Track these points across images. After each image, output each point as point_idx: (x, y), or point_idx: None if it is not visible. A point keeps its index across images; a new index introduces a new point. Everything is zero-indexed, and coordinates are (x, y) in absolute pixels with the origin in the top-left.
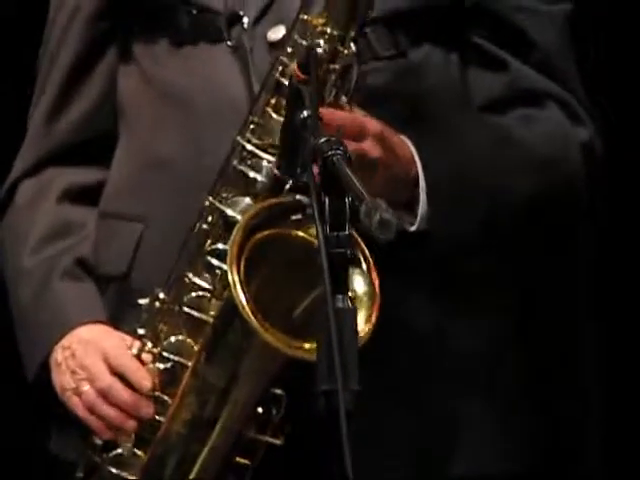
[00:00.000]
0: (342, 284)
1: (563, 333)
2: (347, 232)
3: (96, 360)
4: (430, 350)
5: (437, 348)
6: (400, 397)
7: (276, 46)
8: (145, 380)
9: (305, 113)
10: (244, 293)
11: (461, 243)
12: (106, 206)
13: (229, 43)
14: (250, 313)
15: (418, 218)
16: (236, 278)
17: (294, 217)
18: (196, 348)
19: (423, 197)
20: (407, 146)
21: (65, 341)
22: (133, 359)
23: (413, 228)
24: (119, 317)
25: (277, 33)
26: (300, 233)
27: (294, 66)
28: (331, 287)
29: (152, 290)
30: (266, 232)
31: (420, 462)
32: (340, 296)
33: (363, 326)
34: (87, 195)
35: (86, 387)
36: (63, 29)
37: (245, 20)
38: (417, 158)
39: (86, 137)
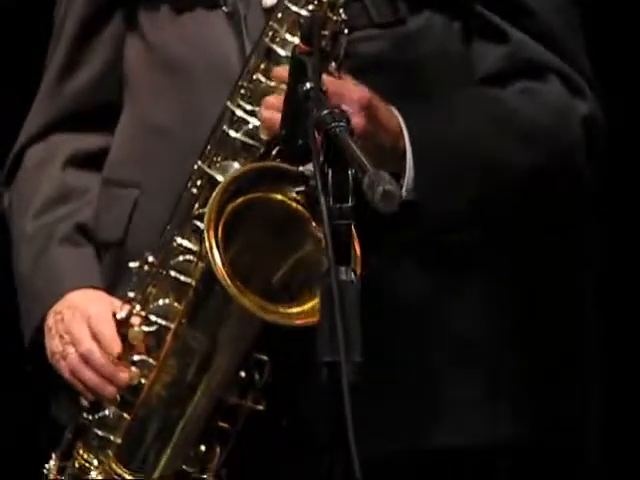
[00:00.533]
0: (345, 256)
1: (563, 310)
2: (350, 204)
3: (81, 325)
4: (423, 320)
5: (430, 318)
6: (397, 368)
7: (270, 12)
8: (115, 345)
9: (308, 85)
10: (220, 257)
11: (452, 218)
12: (108, 173)
13: (224, 9)
14: (226, 277)
15: (403, 189)
16: (213, 242)
17: (274, 181)
18: (180, 310)
19: (409, 169)
20: (395, 117)
21: (57, 306)
22: (111, 325)
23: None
24: (116, 283)
25: None
26: (280, 197)
27: (287, 36)
28: (334, 259)
29: (143, 254)
30: (247, 196)
31: (419, 432)
32: (343, 268)
33: None
34: (92, 161)
35: (71, 350)
36: None
37: None
38: (405, 131)
39: (92, 104)
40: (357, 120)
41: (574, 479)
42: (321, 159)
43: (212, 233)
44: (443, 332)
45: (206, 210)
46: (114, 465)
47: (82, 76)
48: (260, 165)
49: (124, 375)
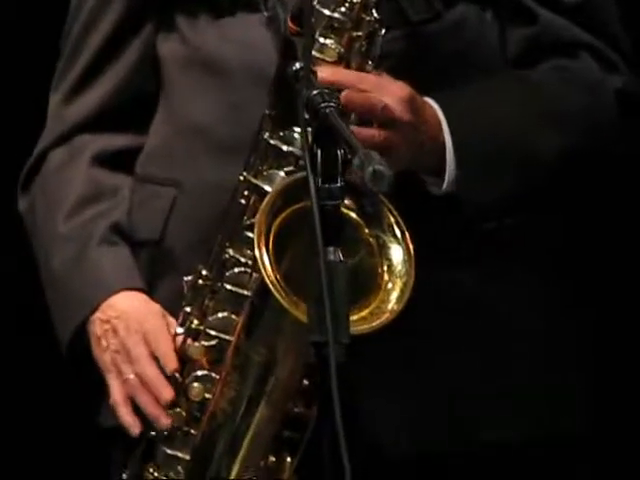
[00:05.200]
0: (333, 237)
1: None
2: (339, 184)
3: (139, 343)
4: (469, 312)
5: (477, 309)
6: (445, 360)
7: None
8: (170, 362)
9: (297, 65)
10: (272, 269)
11: (491, 207)
12: (141, 170)
13: (265, 14)
14: (279, 289)
15: (445, 182)
16: (264, 256)
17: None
18: (238, 324)
19: (450, 162)
20: (434, 112)
21: (102, 314)
22: (169, 342)
23: (441, 191)
24: (152, 283)
25: None
26: None
27: (321, 40)
28: (322, 239)
29: (193, 264)
30: (295, 206)
31: (456, 428)
32: (331, 249)
33: (394, 305)
34: (118, 160)
35: (130, 375)
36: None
37: None
38: (445, 125)
39: (118, 104)
40: (401, 113)
41: None
42: (310, 139)
43: (263, 247)
44: (489, 323)
45: (255, 222)
46: None
47: (109, 78)
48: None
49: (168, 392)
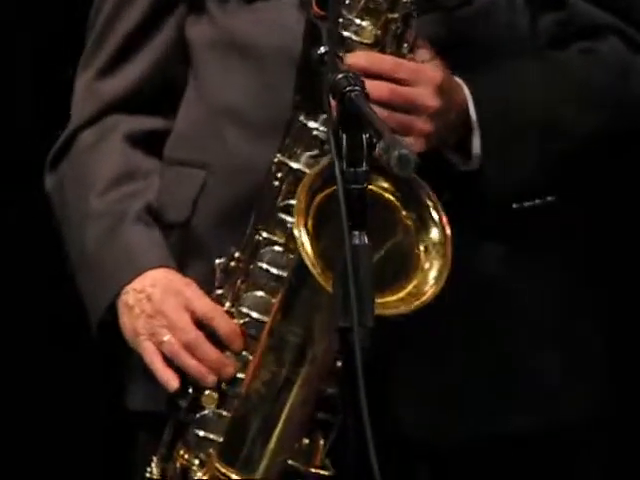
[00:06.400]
0: (359, 220)
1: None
2: (365, 168)
3: (178, 308)
4: (496, 297)
5: (502, 292)
6: (468, 346)
7: None
8: (237, 339)
9: (322, 49)
10: (312, 249)
11: (520, 187)
12: (171, 152)
13: None
14: (318, 269)
15: (471, 160)
16: (304, 235)
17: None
18: (274, 305)
19: (476, 141)
20: (462, 90)
21: (137, 284)
22: (218, 307)
23: (467, 168)
24: (181, 265)
25: None
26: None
27: (358, 21)
28: (348, 223)
29: (222, 245)
30: (334, 187)
31: (496, 416)
32: (356, 232)
33: (432, 286)
34: (148, 143)
35: (166, 337)
36: None
37: None
38: (471, 104)
39: (151, 85)
40: (433, 101)
41: None
42: (335, 123)
43: (302, 225)
44: (515, 306)
45: (294, 203)
46: (218, 465)
47: (141, 60)
48: None
49: (230, 369)
